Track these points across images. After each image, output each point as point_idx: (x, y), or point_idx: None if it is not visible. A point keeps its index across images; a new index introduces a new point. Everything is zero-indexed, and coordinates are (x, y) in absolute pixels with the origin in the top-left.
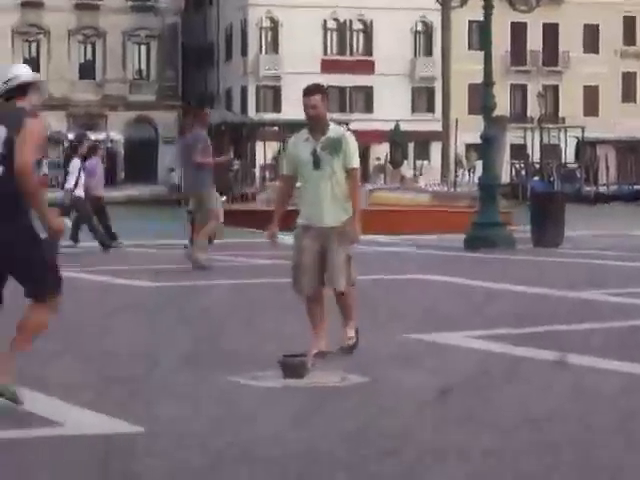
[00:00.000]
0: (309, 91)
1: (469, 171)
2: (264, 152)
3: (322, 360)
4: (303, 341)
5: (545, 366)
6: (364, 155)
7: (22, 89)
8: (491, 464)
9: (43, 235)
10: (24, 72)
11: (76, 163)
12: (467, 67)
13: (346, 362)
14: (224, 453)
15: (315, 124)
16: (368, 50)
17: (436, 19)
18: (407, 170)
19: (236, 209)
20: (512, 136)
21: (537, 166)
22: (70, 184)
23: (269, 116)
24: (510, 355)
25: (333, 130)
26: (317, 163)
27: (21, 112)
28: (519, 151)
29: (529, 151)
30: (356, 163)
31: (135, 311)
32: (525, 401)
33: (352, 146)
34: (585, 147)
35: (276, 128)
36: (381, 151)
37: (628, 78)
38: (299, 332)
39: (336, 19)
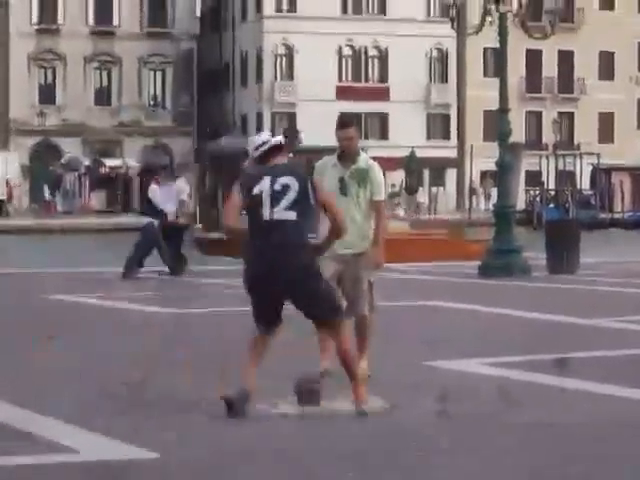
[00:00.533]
0: (345, 124)
1: (485, 198)
2: None
3: (325, 379)
4: (317, 367)
5: (559, 392)
6: None
7: (275, 149)
8: None
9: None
10: (270, 137)
11: (154, 188)
12: (482, 94)
13: (364, 388)
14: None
15: (347, 154)
16: (383, 77)
17: (451, 46)
18: (422, 196)
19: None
20: (527, 163)
21: (552, 193)
22: (171, 208)
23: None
24: (524, 382)
25: (363, 160)
26: (344, 190)
27: (298, 166)
28: (534, 178)
29: (544, 178)
30: (382, 195)
31: (147, 337)
32: (540, 426)
33: (379, 178)
34: (600, 174)
35: (291, 155)
36: (396, 178)
37: None
38: (316, 359)
39: (351, 46)
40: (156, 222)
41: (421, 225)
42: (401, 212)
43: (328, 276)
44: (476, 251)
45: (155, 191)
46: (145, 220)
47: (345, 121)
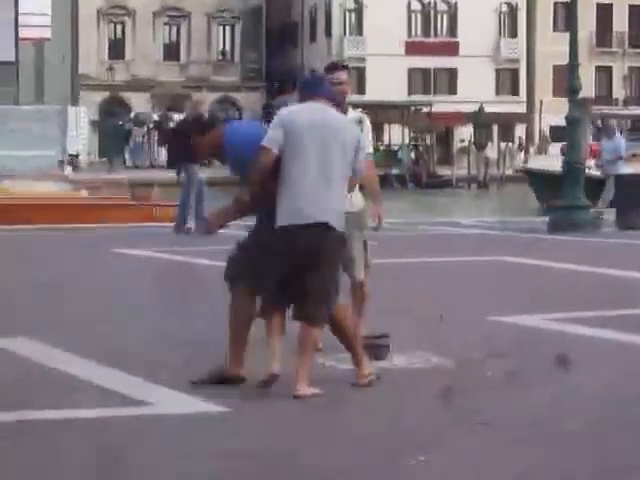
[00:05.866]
0: (337, 66)
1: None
2: None
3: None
4: (384, 323)
5: (627, 349)
6: (447, 137)
7: None
8: (574, 445)
9: None
10: None
11: None
12: (552, 48)
13: (428, 344)
14: (307, 433)
15: (339, 104)
16: (452, 31)
17: (521, 0)
18: (491, 152)
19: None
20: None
21: None
22: None
23: (353, 98)
24: (592, 338)
25: (352, 112)
26: None
27: None
28: None
29: None
30: (370, 149)
31: (213, 291)
32: (608, 383)
33: (369, 131)
34: None
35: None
36: (465, 133)
37: None
38: (379, 314)
39: (420, 0)
40: None
41: (94, 186)
42: (68, 171)
43: None
44: (165, 215)
45: None
46: None
47: (337, 63)
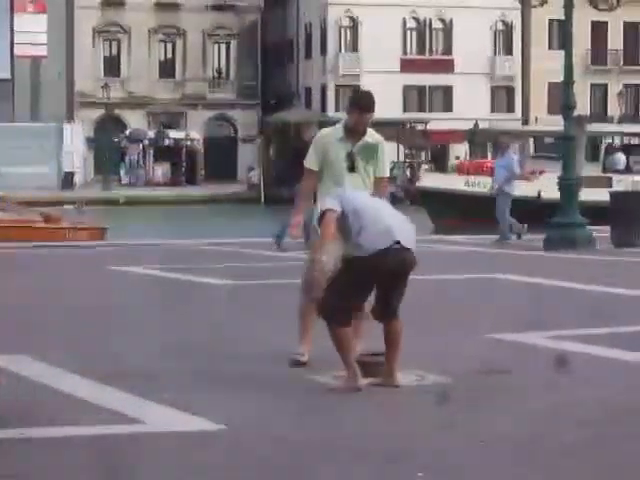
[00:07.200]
0: (370, 108)
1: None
2: None
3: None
4: (379, 341)
5: (623, 366)
6: (443, 154)
7: None
8: (573, 458)
9: None
10: None
11: None
12: (547, 66)
13: (425, 361)
14: (305, 450)
15: (359, 131)
16: (447, 49)
17: (516, 18)
18: None
19: None
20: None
21: None
22: None
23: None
24: (588, 355)
25: (370, 134)
26: (352, 166)
27: None
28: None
29: None
30: (387, 172)
31: (212, 308)
32: (606, 398)
33: (386, 155)
34: None
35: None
36: (460, 150)
37: None
38: (374, 332)
39: (415, 18)
40: None
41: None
42: None
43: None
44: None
45: None
46: None
47: (371, 105)
